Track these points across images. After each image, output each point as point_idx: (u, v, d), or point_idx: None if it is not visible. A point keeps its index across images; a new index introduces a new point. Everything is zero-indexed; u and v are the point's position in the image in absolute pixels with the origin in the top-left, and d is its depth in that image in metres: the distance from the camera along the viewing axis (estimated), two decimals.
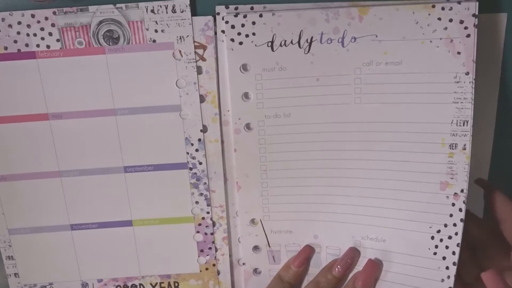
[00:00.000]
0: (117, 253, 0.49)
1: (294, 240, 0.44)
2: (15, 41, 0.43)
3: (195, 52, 0.43)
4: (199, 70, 0.44)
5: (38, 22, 0.42)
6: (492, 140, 0.46)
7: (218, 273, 0.49)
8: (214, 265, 0.49)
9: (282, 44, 0.38)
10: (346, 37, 0.38)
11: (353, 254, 0.42)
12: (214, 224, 0.48)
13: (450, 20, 0.37)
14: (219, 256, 0.49)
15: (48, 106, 0.45)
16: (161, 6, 0.42)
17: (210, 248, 0.49)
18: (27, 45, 0.43)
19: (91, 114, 0.45)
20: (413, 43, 0.38)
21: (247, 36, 0.39)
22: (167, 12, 0.42)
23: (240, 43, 0.39)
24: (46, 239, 0.48)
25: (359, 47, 0.38)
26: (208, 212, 0.47)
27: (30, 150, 0.46)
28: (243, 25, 0.39)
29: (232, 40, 0.39)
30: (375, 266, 0.41)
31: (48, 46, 0.43)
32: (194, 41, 0.43)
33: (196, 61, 0.44)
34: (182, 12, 0.42)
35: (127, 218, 0.48)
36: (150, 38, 0.43)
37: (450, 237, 0.40)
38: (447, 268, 0.41)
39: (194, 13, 0.43)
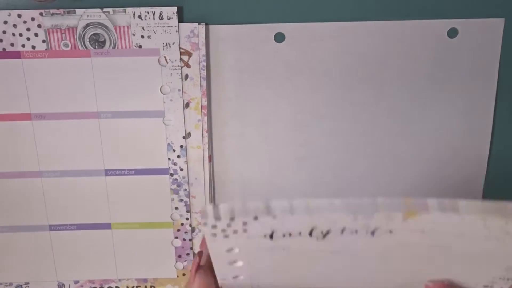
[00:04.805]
0: (94, 255, 0.49)
1: None
2: (1, 40, 0.43)
3: (180, 58, 0.43)
4: (183, 77, 0.44)
5: (25, 22, 0.42)
6: (489, 144, 0.47)
7: None
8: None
9: (285, 235, 0.29)
10: (378, 231, 0.29)
11: None
12: (193, 230, 0.48)
13: None
14: None
15: (31, 106, 0.44)
16: (148, 12, 0.42)
17: (188, 254, 0.49)
18: (12, 44, 0.43)
19: (74, 116, 0.45)
20: (473, 238, 0.29)
21: (235, 232, 0.28)
22: (154, 19, 0.42)
23: (226, 236, 0.28)
24: (24, 239, 0.48)
25: (395, 237, 0.29)
26: (187, 218, 0.48)
27: (11, 149, 0.45)
28: (229, 225, 0.28)
29: (214, 235, 0.28)
30: None
31: (33, 47, 0.43)
32: (180, 48, 0.43)
33: (181, 68, 0.44)
34: (169, 19, 0.42)
35: (106, 221, 0.48)
36: (136, 44, 0.43)
37: None
38: None
39: (180, 19, 0.43)
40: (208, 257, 0.34)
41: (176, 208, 0.47)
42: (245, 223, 0.28)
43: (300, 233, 0.29)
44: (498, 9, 0.43)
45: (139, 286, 0.50)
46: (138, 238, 0.48)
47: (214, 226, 0.28)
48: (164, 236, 0.48)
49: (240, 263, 0.31)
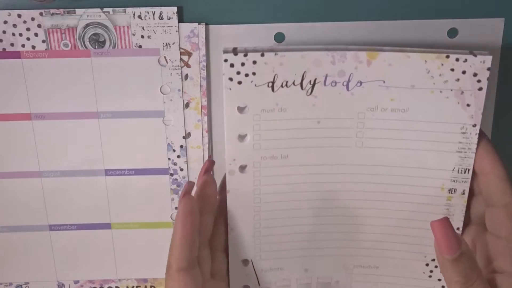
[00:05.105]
0: (94, 255, 0.49)
1: (284, 276, 0.43)
2: (1, 40, 0.43)
3: (180, 58, 0.44)
4: (183, 77, 0.44)
5: (25, 22, 0.42)
6: None
7: None
8: None
9: (283, 85, 0.36)
10: (351, 81, 0.36)
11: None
12: None
13: (463, 72, 0.36)
14: None
15: (31, 106, 0.44)
16: (148, 12, 0.42)
17: None
18: (12, 44, 0.43)
19: (74, 116, 0.45)
20: (422, 91, 0.37)
21: (246, 75, 0.36)
22: (154, 19, 0.42)
23: (239, 82, 0.36)
24: (23, 239, 0.48)
25: (364, 91, 0.37)
26: None
27: (11, 149, 0.45)
28: (243, 64, 0.36)
29: (231, 79, 0.36)
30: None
31: (33, 47, 0.43)
32: (180, 48, 0.43)
33: (181, 68, 0.44)
34: (169, 19, 0.42)
35: (106, 221, 0.48)
36: (136, 44, 0.43)
37: None
38: None
39: (180, 19, 0.43)
40: (198, 187, 0.39)
41: (176, 208, 0.47)
42: (254, 62, 0.36)
43: (294, 82, 0.36)
44: (498, 9, 0.43)
45: (139, 286, 0.50)
46: (138, 238, 0.48)
47: (232, 65, 0.36)
48: (164, 236, 0.48)
49: (248, 138, 0.38)
